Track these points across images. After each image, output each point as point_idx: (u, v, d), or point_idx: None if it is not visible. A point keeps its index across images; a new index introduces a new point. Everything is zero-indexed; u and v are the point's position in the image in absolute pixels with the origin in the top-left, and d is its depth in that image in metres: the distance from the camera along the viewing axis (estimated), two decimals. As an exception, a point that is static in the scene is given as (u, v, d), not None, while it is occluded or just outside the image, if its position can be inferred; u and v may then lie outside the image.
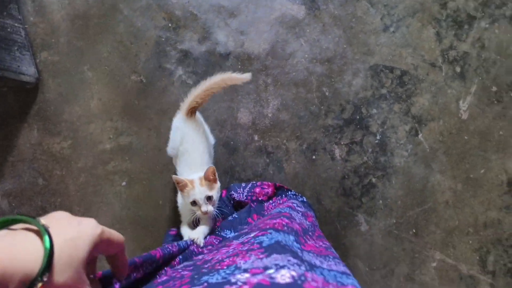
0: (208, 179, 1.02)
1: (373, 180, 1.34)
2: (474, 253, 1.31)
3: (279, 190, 1.24)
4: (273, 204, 1.16)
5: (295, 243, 0.64)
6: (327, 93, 1.35)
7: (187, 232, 1.10)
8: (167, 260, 0.77)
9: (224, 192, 1.26)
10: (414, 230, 1.33)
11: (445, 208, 1.32)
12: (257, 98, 1.37)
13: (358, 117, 1.35)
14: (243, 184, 1.26)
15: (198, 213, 1.04)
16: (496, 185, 1.32)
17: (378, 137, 1.34)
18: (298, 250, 0.61)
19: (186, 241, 0.94)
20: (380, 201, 1.34)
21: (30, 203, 1.43)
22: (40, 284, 0.36)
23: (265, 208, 1.13)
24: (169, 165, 1.37)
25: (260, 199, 1.20)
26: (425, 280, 1.31)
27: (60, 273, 0.39)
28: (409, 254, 1.32)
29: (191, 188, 1.00)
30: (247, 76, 1.08)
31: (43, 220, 0.41)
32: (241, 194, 1.22)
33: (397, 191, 1.33)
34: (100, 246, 0.45)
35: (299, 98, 1.36)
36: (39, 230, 0.39)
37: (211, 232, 1.07)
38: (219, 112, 1.38)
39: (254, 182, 1.27)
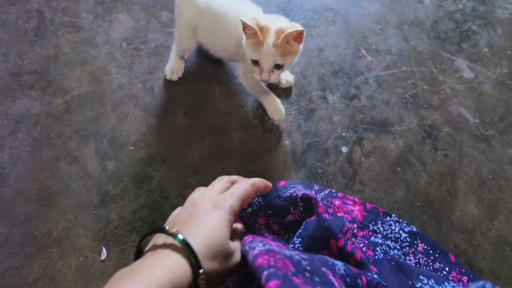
0: (287, 41, 0.76)
1: (473, 27, 1.13)
2: None
3: (371, 214, 0.87)
4: (364, 243, 0.82)
5: None
6: None
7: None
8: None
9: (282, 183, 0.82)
10: (533, 84, 1.05)
11: None
12: None
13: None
14: (316, 186, 0.89)
15: (255, 75, 0.84)
16: None
17: (474, -13, 1.18)
18: None
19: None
20: (486, 49, 1.10)
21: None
22: (202, 277, 0.41)
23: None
24: None
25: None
26: (558, 141, 0.98)
27: (211, 261, 0.44)
28: (531, 109, 1.02)
29: (259, 42, 0.76)
30: None
31: (176, 227, 0.46)
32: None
33: (506, 41, 1.11)
34: (237, 213, 0.51)
35: None
36: (174, 237, 0.44)
37: None
38: None
39: (332, 189, 0.89)
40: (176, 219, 0.52)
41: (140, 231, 0.89)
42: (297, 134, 0.99)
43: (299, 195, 0.81)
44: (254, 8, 0.88)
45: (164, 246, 0.44)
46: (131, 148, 0.97)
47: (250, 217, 0.81)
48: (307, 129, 0.99)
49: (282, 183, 0.88)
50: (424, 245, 0.83)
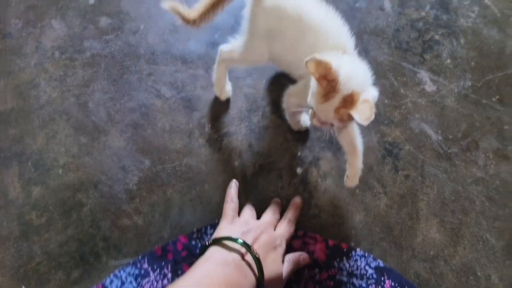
0: (348, 102, 0.63)
1: (436, 37, 1.09)
2: None
3: (334, 251, 0.82)
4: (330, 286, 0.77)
5: None
6: None
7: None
8: None
9: None
10: (497, 97, 1.02)
11: (533, 75, 1.04)
12: None
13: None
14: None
15: (309, 113, 0.73)
16: None
17: (436, -5, 1.14)
18: None
19: None
20: (449, 60, 1.06)
21: None
22: None
23: None
24: None
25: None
26: (523, 158, 0.94)
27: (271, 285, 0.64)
28: (496, 125, 0.98)
29: (321, 94, 0.64)
30: None
31: (255, 246, 0.65)
32: None
33: (469, 52, 1.07)
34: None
35: None
36: (253, 258, 0.63)
37: None
38: None
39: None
40: (243, 233, 0.69)
41: (67, 267, 0.80)
42: (248, 154, 0.91)
43: None
44: (346, 32, 0.75)
45: (242, 257, 0.62)
46: (60, 171, 0.87)
47: None
48: (259, 149, 0.92)
49: None
50: (392, 282, 0.77)
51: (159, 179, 0.88)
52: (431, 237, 0.87)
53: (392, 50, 1.07)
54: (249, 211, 0.79)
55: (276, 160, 0.92)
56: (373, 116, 0.61)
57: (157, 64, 1.00)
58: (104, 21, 1.05)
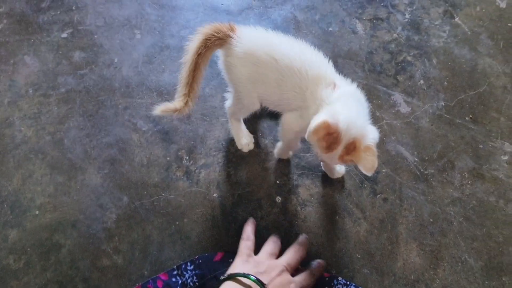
0: (351, 149, 0.66)
1: (409, 58, 1.11)
2: (555, 146, 1.01)
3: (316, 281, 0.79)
4: None
5: None
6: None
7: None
8: None
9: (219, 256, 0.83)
10: (471, 116, 1.04)
11: (504, 93, 1.07)
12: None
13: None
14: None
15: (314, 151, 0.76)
16: (558, 75, 1.11)
17: (407, 16, 1.18)
18: None
19: None
20: (422, 81, 1.08)
21: None
22: None
23: None
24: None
25: None
26: (498, 176, 0.97)
27: None
28: (471, 144, 1.00)
29: (319, 147, 0.67)
30: None
31: (270, 286, 0.64)
32: None
33: (441, 72, 1.09)
34: None
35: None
36: None
37: None
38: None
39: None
40: (257, 272, 0.66)
41: (46, 312, 0.79)
42: (226, 185, 0.92)
43: None
44: (322, 59, 0.76)
45: None
46: (37, 212, 0.87)
47: None
48: (238, 179, 0.92)
49: (218, 256, 0.81)
50: None
51: (138, 215, 0.88)
52: (412, 261, 0.88)
53: (366, 73, 1.09)
54: (268, 248, 0.76)
55: (255, 189, 0.93)
56: (376, 165, 0.63)
57: (132, 97, 1.00)
58: (77, 55, 1.05)
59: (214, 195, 0.91)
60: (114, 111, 0.98)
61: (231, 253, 0.81)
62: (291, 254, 0.76)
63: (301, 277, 0.72)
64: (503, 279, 0.87)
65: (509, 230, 0.92)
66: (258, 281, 0.63)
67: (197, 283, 0.78)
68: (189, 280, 0.79)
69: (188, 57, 0.75)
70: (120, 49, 1.06)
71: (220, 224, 0.88)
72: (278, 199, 0.92)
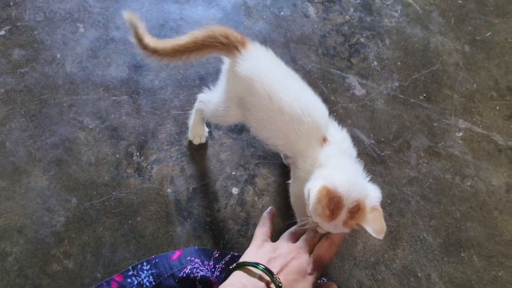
0: (355, 212, 0.61)
1: (362, 39, 1.10)
2: (506, 120, 1.04)
3: None
4: None
5: None
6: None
7: None
8: None
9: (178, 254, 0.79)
10: (424, 95, 1.05)
11: (456, 70, 1.08)
12: None
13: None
14: (216, 252, 0.80)
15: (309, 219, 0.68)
16: (509, 48, 1.14)
17: (358, -2, 1.16)
18: None
19: None
20: (375, 62, 1.08)
21: None
22: None
23: None
24: None
25: None
26: (453, 153, 0.98)
27: None
28: (426, 123, 1.01)
29: (322, 215, 0.60)
30: None
31: (283, 274, 0.58)
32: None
33: (394, 52, 1.09)
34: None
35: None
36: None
37: None
38: None
39: (234, 253, 0.81)
40: (270, 259, 0.61)
41: (-6, 324, 0.75)
42: (180, 179, 0.89)
43: (197, 278, 0.72)
44: (319, 109, 0.71)
45: (266, 284, 0.56)
46: (-21, 221, 0.82)
47: None
48: (192, 172, 0.90)
49: (176, 254, 0.78)
50: None
51: (88, 217, 0.84)
52: (371, 244, 0.88)
53: (320, 57, 1.08)
54: (289, 234, 0.70)
55: (211, 182, 0.91)
56: (385, 227, 0.59)
57: (77, 94, 0.96)
58: (17, 53, 1.00)
59: (168, 190, 0.89)
60: (58, 109, 0.94)
61: (188, 251, 0.79)
62: (312, 234, 0.68)
63: (320, 251, 0.64)
64: (462, 254, 0.88)
65: (466, 206, 0.93)
66: (266, 270, 0.58)
67: (153, 283, 0.75)
68: (145, 280, 0.76)
69: (184, 37, 0.71)
70: (62, 44, 1.02)
71: (175, 220, 0.86)
72: (235, 190, 0.91)
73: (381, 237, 0.59)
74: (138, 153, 0.91)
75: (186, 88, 0.99)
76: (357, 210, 0.60)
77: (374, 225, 0.59)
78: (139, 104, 0.95)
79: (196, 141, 0.91)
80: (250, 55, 0.71)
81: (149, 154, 0.92)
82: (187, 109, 0.97)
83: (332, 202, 0.59)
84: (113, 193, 0.87)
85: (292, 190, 0.77)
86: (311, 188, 0.59)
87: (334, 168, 0.64)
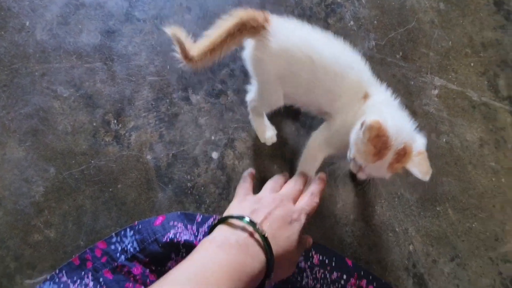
0: (402, 156, 0.62)
1: (338, -1, 1.08)
2: (480, 77, 1.04)
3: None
4: None
5: None
6: None
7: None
8: None
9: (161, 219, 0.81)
10: (401, 53, 1.05)
11: (432, 27, 1.08)
12: None
13: None
14: (199, 217, 0.83)
15: (351, 166, 0.69)
16: (483, 4, 1.13)
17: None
18: None
19: None
20: (352, 22, 1.07)
21: None
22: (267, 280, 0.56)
23: None
24: None
25: None
26: (429, 111, 0.99)
27: (281, 267, 0.59)
28: (402, 82, 1.01)
29: (372, 155, 0.62)
30: None
31: (267, 223, 0.60)
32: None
33: (371, 11, 1.09)
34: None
35: None
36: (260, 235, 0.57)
37: None
38: None
39: (217, 216, 0.85)
40: (254, 210, 0.63)
41: (-22, 297, 0.75)
42: (159, 145, 0.89)
43: (181, 242, 0.73)
44: (360, 64, 0.73)
45: (250, 235, 0.57)
46: (-45, 194, 0.81)
47: (123, 267, 0.72)
48: (171, 138, 0.90)
49: (159, 219, 0.79)
50: (319, 256, 0.80)
51: (67, 186, 0.84)
52: (351, 201, 0.90)
53: (296, 18, 1.06)
54: (271, 181, 0.73)
55: (190, 147, 0.91)
56: (431, 169, 0.61)
57: (49, 62, 0.93)
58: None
59: (148, 157, 0.88)
60: (30, 79, 0.91)
61: (171, 216, 0.80)
62: (292, 184, 0.73)
63: (302, 202, 0.68)
64: (437, 208, 0.91)
65: (442, 161, 0.95)
66: (250, 222, 0.59)
67: (137, 249, 0.76)
68: (129, 246, 0.77)
69: (216, 32, 0.69)
70: (30, 11, 0.98)
71: (156, 186, 0.86)
72: (215, 155, 0.91)
73: (426, 178, 0.62)
74: (115, 121, 0.90)
75: (161, 53, 0.97)
76: (403, 153, 0.61)
77: (421, 168, 0.61)
78: (114, 71, 0.94)
79: (269, 142, 0.89)
80: (277, 28, 0.70)
81: (127, 121, 0.91)
82: (163, 75, 0.95)
83: (380, 141, 0.59)
84: (92, 162, 0.87)
85: (323, 138, 0.77)
86: (365, 121, 0.59)
87: (383, 112, 0.66)
